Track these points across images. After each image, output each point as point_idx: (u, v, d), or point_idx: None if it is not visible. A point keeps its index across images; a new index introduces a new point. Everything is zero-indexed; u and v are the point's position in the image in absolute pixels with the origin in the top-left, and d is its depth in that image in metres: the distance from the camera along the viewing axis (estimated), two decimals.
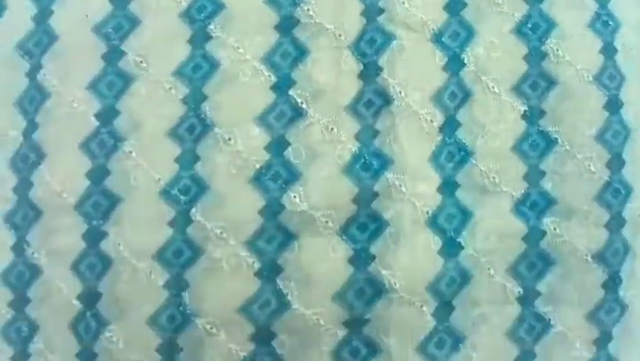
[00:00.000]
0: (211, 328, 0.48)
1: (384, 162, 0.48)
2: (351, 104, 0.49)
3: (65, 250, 0.50)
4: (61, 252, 0.50)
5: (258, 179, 0.48)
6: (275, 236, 0.48)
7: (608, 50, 0.51)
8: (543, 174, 0.50)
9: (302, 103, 0.49)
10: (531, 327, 0.49)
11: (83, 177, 0.49)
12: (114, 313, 0.49)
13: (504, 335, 0.49)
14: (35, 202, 0.50)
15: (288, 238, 0.48)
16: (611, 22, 0.52)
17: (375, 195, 0.48)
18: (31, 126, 0.51)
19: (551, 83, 0.50)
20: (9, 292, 0.50)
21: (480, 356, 0.48)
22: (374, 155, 0.48)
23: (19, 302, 0.50)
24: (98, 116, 0.49)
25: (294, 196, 0.48)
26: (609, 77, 0.51)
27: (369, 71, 0.49)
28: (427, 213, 0.48)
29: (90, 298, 0.49)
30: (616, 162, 0.50)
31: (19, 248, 0.51)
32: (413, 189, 0.48)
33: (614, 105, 0.51)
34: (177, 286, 0.48)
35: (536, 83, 0.50)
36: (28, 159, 0.51)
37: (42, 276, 0.50)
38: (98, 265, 0.49)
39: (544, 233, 0.50)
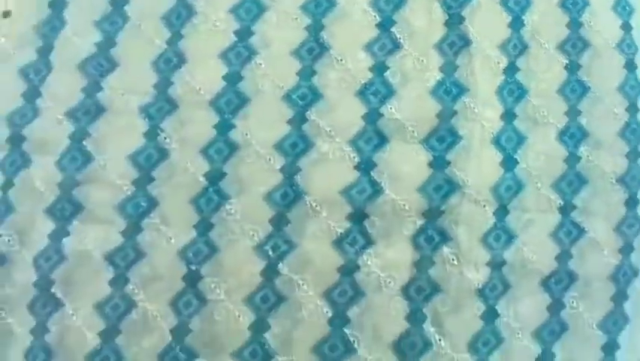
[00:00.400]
0: (316, 205, 0.56)
1: (462, 90, 0.59)
2: (437, 44, 0.60)
3: (197, 137, 0.57)
4: (193, 139, 0.57)
5: (362, 92, 0.58)
6: (372, 138, 0.57)
7: (626, 27, 0.65)
8: (579, 112, 0.61)
9: (400, 39, 0.59)
10: (569, 232, 0.58)
11: (220, 79, 0.58)
12: (235, 190, 0.56)
13: (548, 237, 0.58)
14: (173, 97, 0.58)
15: (382, 140, 0.57)
16: (627, 7, 0.66)
17: (454, 113, 0.58)
18: (176, 37, 0.59)
19: (586, 45, 0.63)
20: (135, 171, 0.57)
21: (529, 250, 0.57)
22: (454, 83, 0.59)
23: (144, 180, 0.56)
24: (236, 33, 0.59)
25: (390, 108, 0.58)
26: (627, 46, 0.64)
27: (454, 20, 0.60)
28: (492, 133, 0.58)
29: (215, 176, 0.56)
30: (632, 109, 0.62)
31: (152, 134, 0.58)
32: (483, 113, 0.58)
33: (630, 66, 0.63)
34: (291, 170, 0.56)
35: (575, 44, 0.63)
36: (171, 62, 0.59)
37: (170, 158, 0.57)
38: (225, 150, 0.57)
39: (579, 158, 0.60)
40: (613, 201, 0.59)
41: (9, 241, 0.56)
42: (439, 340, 0.55)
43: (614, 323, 0.58)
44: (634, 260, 0.59)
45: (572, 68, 0.62)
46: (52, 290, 0.55)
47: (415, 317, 0.55)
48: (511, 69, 0.60)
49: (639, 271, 0.59)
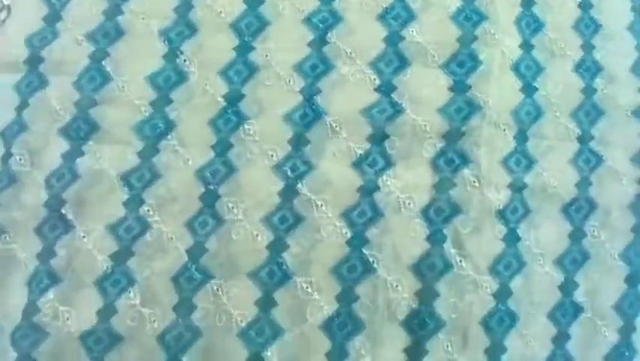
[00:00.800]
0: (336, 126, 0.53)
1: (482, 17, 0.57)
2: None
3: (216, 59, 0.54)
4: (212, 61, 0.55)
5: (383, 16, 0.56)
6: (393, 60, 0.55)
7: None
8: (594, 46, 0.59)
9: None
10: (588, 160, 0.56)
11: (241, 2, 0.56)
12: (254, 111, 0.53)
13: (567, 164, 0.55)
14: (193, 21, 0.55)
15: (403, 63, 0.55)
16: None
17: (475, 38, 0.56)
18: None
19: None
20: (154, 92, 0.54)
21: (549, 175, 0.54)
22: (474, 11, 0.57)
23: (162, 102, 0.54)
24: None
25: (412, 31, 0.56)
26: None
27: None
28: (512, 60, 0.56)
29: (234, 97, 0.54)
30: None
31: (171, 57, 0.55)
32: (503, 40, 0.56)
33: (637, 9, 0.62)
34: (311, 91, 0.54)
35: None
36: None
37: (188, 80, 0.54)
38: (244, 72, 0.54)
39: (595, 90, 0.58)
40: (629, 133, 0.57)
41: (20, 160, 0.52)
42: (460, 261, 0.51)
43: (635, 254, 0.55)
44: None
45: (585, 6, 0.61)
46: (63, 211, 0.51)
47: (435, 238, 0.51)
48: (527, 2, 0.59)
49: None
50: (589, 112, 0.57)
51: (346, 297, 0.51)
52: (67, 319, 0.50)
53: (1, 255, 0.51)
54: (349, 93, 0.54)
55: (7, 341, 0.49)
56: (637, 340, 0.55)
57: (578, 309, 0.54)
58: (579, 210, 0.55)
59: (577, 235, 0.55)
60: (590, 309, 0.54)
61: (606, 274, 0.55)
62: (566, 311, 0.53)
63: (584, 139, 0.57)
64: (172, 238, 0.51)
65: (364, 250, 0.51)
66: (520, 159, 0.55)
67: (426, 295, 0.51)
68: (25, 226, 0.52)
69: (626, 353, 0.54)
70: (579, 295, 0.54)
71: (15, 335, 0.50)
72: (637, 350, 0.54)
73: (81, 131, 0.54)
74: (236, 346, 0.49)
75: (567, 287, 0.54)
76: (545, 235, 0.54)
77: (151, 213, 0.52)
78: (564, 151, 0.56)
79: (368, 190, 0.53)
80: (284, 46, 0.55)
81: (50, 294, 0.50)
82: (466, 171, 0.53)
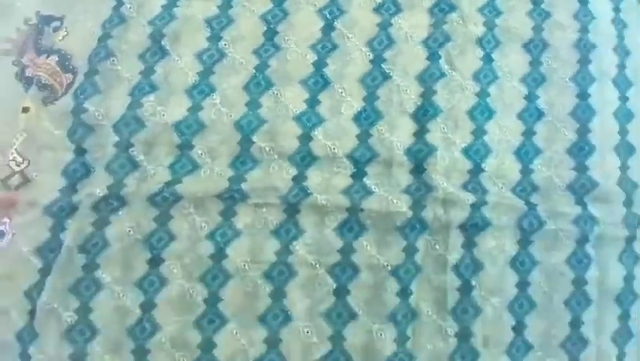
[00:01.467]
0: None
1: None
2: None
3: None
4: None
5: None
6: None
7: None
8: None
9: None
10: (540, 13, 0.75)
11: None
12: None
13: (524, 15, 0.75)
14: None
15: None
16: None
17: None
18: None
19: None
20: None
21: (513, 21, 0.74)
22: None
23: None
24: None
25: None
26: None
27: None
28: None
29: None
30: None
31: None
32: None
33: None
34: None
35: None
36: None
37: None
38: None
39: None
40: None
41: (130, 7, 0.71)
42: (451, 72, 0.71)
43: (582, 78, 0.73)
44: (591, 38, 0.76)
45: None
46: (162, 42, 0.70)
47: (432, 58, 0.71)
48: None
49: (596, 44, 0.75)
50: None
51: (370, 97, 0.70)
52: (163, 115, 0.67)
53: (108, 73, 0.69)
54: None
55: (110, 130, 0.66)
56: (593, 138, 0.72)
57: (540, 113, 0.72)
58: (536, 47, 0.75)
59: (535, 63, 0.74)
60: (550, 114, 0.72)
61: (561, 91, 0.73)
62: (531, 113, 0.72)
63: (536, 2, 0.77)
64: (242, 62, 0.71)
65: (383, 66, 0.71)
66: (492, 10, 0.75)
67: (426, 94, 0.70)
68: (129, 53, 0.70)
69: (586, 148, 0.71)
70: (541, 103, 0.72)
71: (118, 123, 0.67)
72: (594, 146, 0.72)
73: None
74: (292, 127, 0.68)
75: (530, 97, 0.72)
76: (512, 61, 0.73)
77: (227, 45, 0.71)
78: (522, 7, 0.76)
79: (384, 26, 0.72)
80: None
81: (151, 97, 0.68)
82: (453, 15, 0.74)
